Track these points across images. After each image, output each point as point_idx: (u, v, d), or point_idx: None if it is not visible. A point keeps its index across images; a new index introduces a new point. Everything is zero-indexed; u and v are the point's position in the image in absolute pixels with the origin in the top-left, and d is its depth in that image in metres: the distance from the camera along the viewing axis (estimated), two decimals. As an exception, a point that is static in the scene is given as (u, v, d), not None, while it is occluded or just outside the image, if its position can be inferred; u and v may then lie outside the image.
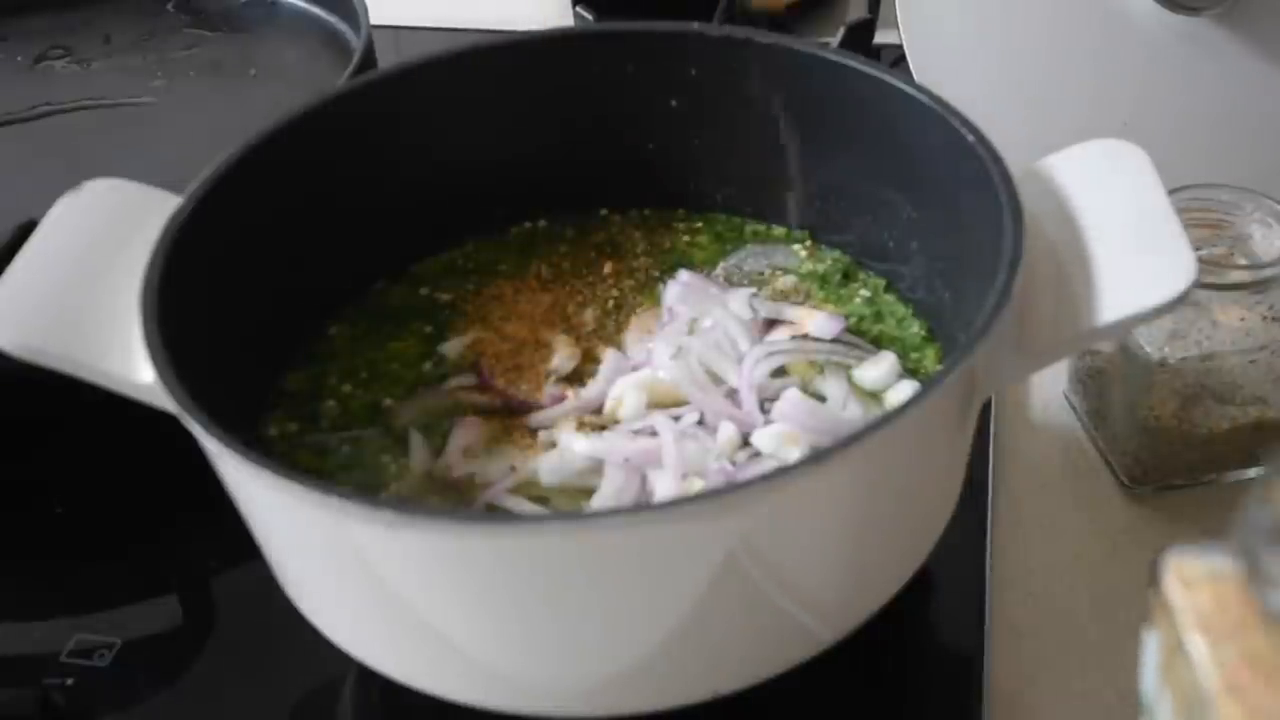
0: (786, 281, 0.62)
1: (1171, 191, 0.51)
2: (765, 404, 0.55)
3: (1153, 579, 0.36)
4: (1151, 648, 0.37)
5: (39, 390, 0.54)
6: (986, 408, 0.63)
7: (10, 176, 0.74)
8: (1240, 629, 0.33)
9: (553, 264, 0.64)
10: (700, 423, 0.54)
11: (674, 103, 0.63)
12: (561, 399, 0.57)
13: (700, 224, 0.66)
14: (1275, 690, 0.32)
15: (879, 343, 0.59)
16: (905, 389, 0.56)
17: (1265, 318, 0.59)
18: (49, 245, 0.53)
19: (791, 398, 0.54)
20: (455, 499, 0.53)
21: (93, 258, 0.52)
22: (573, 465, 0.53)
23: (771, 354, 0.56)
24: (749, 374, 0.56)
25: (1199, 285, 0.49)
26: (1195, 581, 0.35)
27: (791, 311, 0.59)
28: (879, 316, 0.60)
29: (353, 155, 0.60)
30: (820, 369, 0.57)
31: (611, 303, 0.62)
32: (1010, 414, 0.66)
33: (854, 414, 0.55)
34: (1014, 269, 0.47)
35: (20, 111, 0.79)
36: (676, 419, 0.54)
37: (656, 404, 0.55)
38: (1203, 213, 0.60)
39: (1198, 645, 0.34)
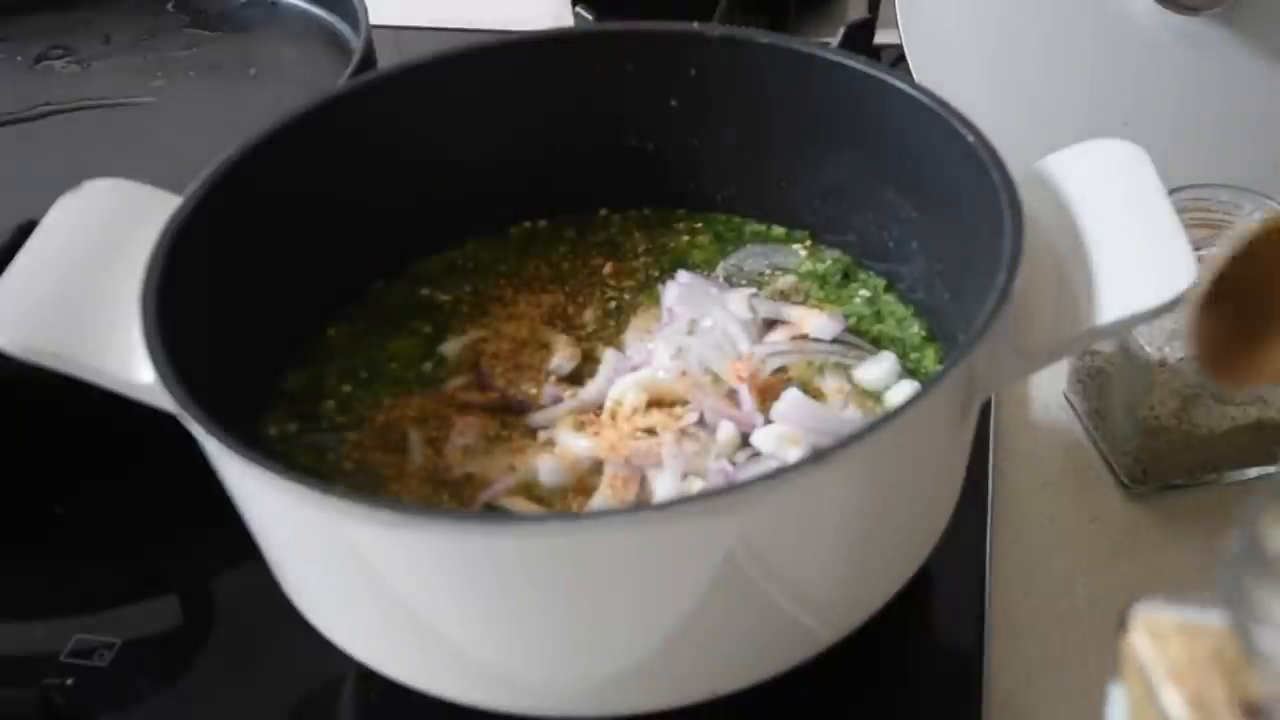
0: (786, 281, 0.62)
1: (1171, 191, 0.51)
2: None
3: (1121, 631, 0.35)
4: (1117, 702, 0.36)
5: (39, 390, 0.54)
6: (986, 408, 0.63)
7: (10, 176, 0.74)
8: (1215, 678, 0.32)
9: (553, 264, 0.64)
10: (700, 423, 0.54)
11: (674, 103, 0.63)
12: (561, 399, 0.57)
13: (700, 224, 0.66)
14: None
15: (879, 343, 0.59)
16: (905, 389, 0.56)
17: (1265, 318, 0.58)
18: (49, 245, 0.53)
19: (791, 398, 0.54)
20: (455, 499, 0.53)
21: (93, 258, 0.52)
22: (573, 465, 0.53)
23: (771, 355, 0.56)
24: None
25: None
26: (1165, 633, 0.34)
27: (791, 312, 0.59)
28: (879, 317, 0.60)
29: (352, 155, 0.60)
30: (820, 369, 0.57)
31: (612, 303, 0.62)
32: (1010, 414, 0.66)
33: (854, 414, 0.55)
34: (1013, 269, 0.47)
35: (20, 111, 0.79)
36: (677, 419, 0.54)
37: (656, 404, 0.55)
38: (1203, 213, 0.60)
39: (1172, 697, 0.33)
